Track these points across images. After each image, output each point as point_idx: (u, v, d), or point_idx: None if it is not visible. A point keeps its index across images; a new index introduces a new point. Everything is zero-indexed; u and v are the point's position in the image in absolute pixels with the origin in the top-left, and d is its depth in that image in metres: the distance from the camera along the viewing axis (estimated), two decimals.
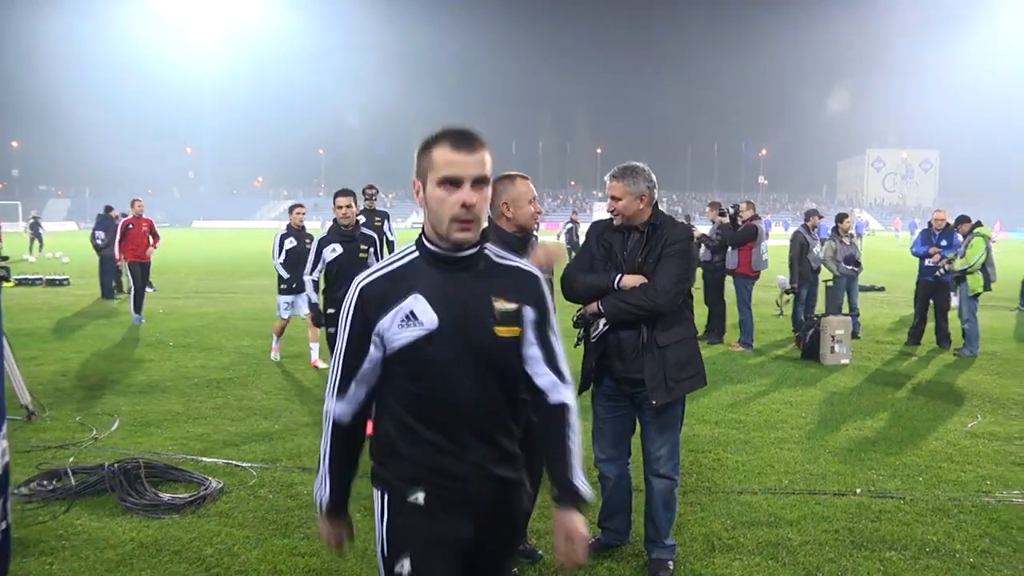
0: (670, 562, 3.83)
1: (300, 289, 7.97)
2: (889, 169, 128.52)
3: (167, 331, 11.23)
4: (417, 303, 1.89)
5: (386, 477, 1.99)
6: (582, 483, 2.00)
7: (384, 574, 1.99)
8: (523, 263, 2.06)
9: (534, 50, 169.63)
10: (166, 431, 6.16)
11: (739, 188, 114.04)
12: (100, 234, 15.63)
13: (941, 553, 4.06)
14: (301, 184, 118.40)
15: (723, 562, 3.95)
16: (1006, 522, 4.47)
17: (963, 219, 10.60)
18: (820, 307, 11.34)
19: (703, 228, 13.13)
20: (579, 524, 1.97)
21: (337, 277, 6.30)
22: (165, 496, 4.63)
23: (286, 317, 9.10)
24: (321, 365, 8.54)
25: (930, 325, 10.58)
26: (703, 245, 10.68)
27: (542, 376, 2.03)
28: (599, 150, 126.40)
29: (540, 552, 3.94)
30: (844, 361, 9.19)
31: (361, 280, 1.97)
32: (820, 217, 11.75)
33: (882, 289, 17.62)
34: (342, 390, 2.01)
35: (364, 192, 9.83)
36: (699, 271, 9.90)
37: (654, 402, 3.56)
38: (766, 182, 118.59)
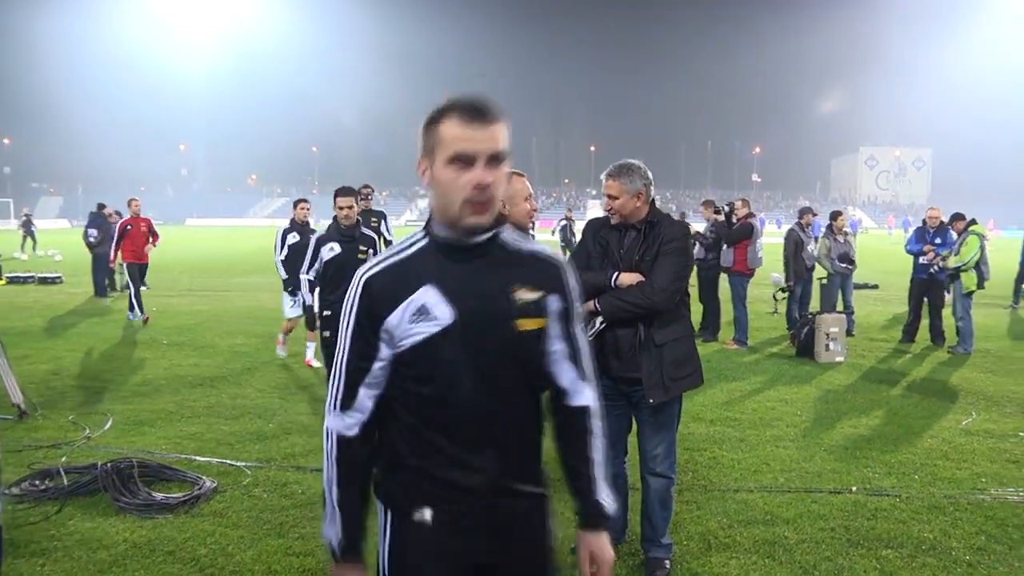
0: (667, 561, 3.82)
1: None
2: (882, 167, 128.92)
3: (160, 329, 11.18)
4: (429, 296, 1.67)
5: (390, 491, 1.79)
6: (607, 499, 1.83)
7: None
8: (544, 249, 1.84)
9: (528, 48, 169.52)
10: (159, 430, 6.12)
11: (733, 186, 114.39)
12: (93, 232, 15.54)
13: (937, 551, 4.06)
14: (295, 182, 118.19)
15: (720, 561, 3.94)
16: (1002, 520, 4.47)
17: (957, 217, 10.63)
18: (815, 305, 11.34)
19: (697, 226, 13.13)
20: (605, 546, 1.81)
21: (333, 278, 6.03)
22: (158, 496, 4.59)
23: (293, 316, 8.86)
24: (315, 364, 8.50)
25: (924, 323, 10.61)
26: (697, 243, 10.68)
27: (564, 374, 1.82)
28: (593, 148, 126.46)
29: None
30: (839, 359, 9.20)
31: (366, 271, 1.74)
32: (814, 215, 11.76)
33: (876, 287, 17.67)
34: (347, 401, 1.75)
35: (360, 192, 9.61)
36: (693, 269, 9.89)
37: (651, 401, 3.54)
38: (760, 180, 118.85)
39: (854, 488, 4.96)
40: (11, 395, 6.29)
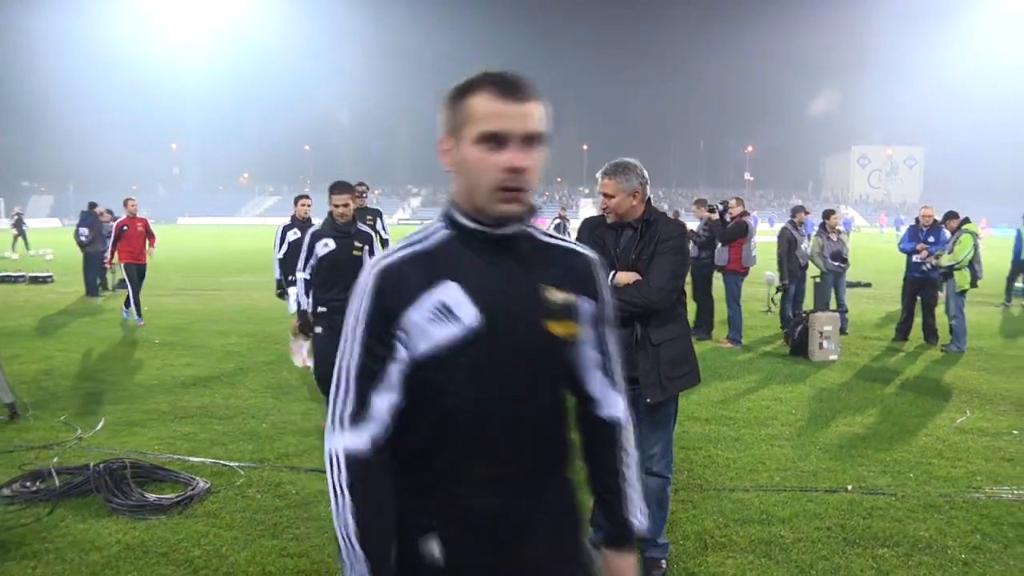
0: (663, 561, 3.81)
1: None
2: (874, 166, 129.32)
3: (153, 329, 11.12)
4: (451, 293, 1.47)
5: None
6: (638, 516, 1.65)
7: None
8: (577, 244, 1.67)
9: (519, 47, 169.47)
10: (152, 430, 6.08)
11: (725, 184, 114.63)
12: (84, 231, 15.44)
13: (933, 550, 4.06)
14: (287, 180, 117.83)
15: (716, 560, 3.93)
16: (996, 518, 4.48)
17: (951, 215, 10.66)
18: (808, 303, 11.36)
19: (690, 225, 13.13)
20: (631, 568, 1.66)
21: (328, 276, 5.82)
22: (151, 497, 4.56)
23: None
24: (309, 363, 8.44)
25: (917, 321, 10.63)
26: (691, 242, 10.68)
27: (594, 383, 1.64)
28: (585, 146, 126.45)
29: None
30: (832, 357, 9.21)
31: (380, 262, 1.51)
32: (807, 213, 11.77)
33: (868, 285, 17.71)
34: (359, 411, 1.47)
35: (354, 189, 9.47)
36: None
37: (648, 400, 3.53)
38: (752, 178, 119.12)
39: (849, 487, 4.96)
40: (2, 395, 6.25)
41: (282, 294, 8.39)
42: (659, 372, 3.51)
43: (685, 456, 5.49)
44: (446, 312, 1.46)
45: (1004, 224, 54.01)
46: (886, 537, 4.20)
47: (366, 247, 5.95)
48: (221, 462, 5.28)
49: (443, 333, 1.46)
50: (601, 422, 1.66)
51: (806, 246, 11.22)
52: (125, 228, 12.06)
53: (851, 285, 14.42)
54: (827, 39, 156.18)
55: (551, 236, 1.64)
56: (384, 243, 9.15)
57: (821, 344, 9.24)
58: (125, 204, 12.36)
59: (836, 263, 11.15)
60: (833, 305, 11.12)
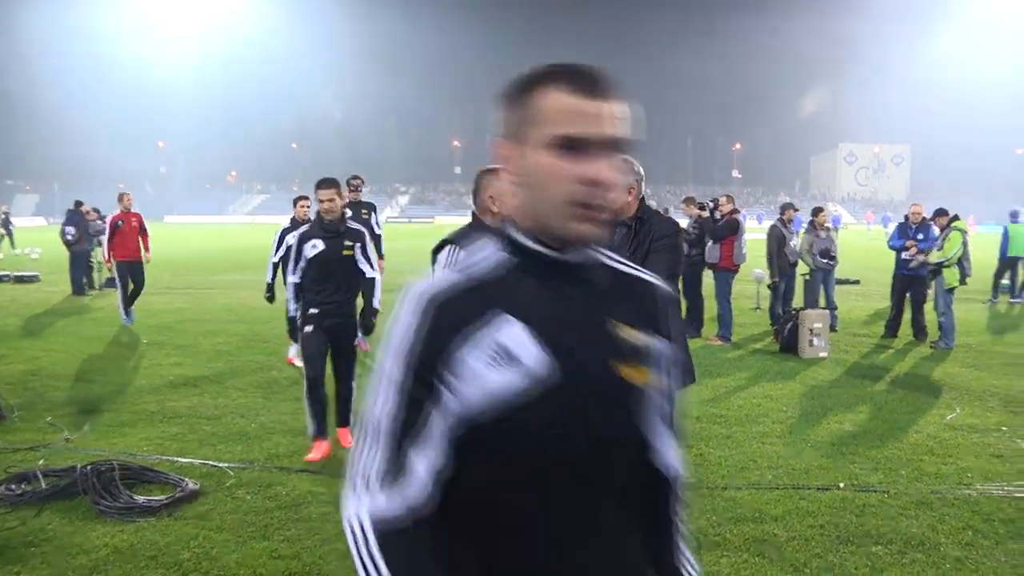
0: None
1: None
2: (861, 163, 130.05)
3: (140, 328, 11.04)
4: (513, 332, 1.19)
5: None
6: (689, 569, 1.44)
7: None
8: (647, 273, 1.42)
9: (508, 44, 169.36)
10: (140, 431, 6.02)
11: (713, 182, 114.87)
12: (70, 230, 15.30)
13: (926, 547, 4.07)
14: (275, 179, 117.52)
15: (711, 559, 3.91)
16: (988, 514, 4.50)
17: (940, 212, 10.71)
18: (798, 300, 11.39)
19: (680, 222, 13.14)
20: None
21: (318, 277, 5.53)
22: (140, 498, 4.52)
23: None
24: (297, 363, 8.39)
25: (906, 317, 10.68)
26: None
27: (655, 432, 1.36)
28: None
29: None
30: (822, 354, 9.23)
31: (428, 290, 1.23)
32: (796, 211, 11.80)
33: (857, 282, 17.78)
34: (392, 469, 1.17)
35: (349, 183, 9.13)
36: None
37: None
38: (740, 176, 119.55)
39: (841, 484, 4.96)
40: None
41: (270, 297, 8.25)
42: None
43: None
44: (505, 355, 1.18)
45: (990, 221, 54.45)
46: (879, 535, 4.21)
47: (357, 245, 5.69)
48: (210, 463, 5.24)
49: (501, 381, 1.17)
50: (658, 473, 1.40)
51: (795, 243, 11.25)
52: (119, 224, 11.62)
53: (839, 282, 14.47)
54: (815, 38, 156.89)
55: (619, 262, 1.38)
56: (377, 239, 8.98)
57: (811, 341, 9.26)
58: (120, 199, 11.90)
59: (824, 260, 11.18)
60: (822, 302, 11.15)
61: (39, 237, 35.01)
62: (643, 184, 3.55)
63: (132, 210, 11.99)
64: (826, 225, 11.58)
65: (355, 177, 9.32)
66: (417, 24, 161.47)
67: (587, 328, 1.24)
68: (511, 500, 1.21)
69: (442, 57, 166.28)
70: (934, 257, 10.04)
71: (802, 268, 11.52)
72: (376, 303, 5.79)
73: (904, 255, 10.56)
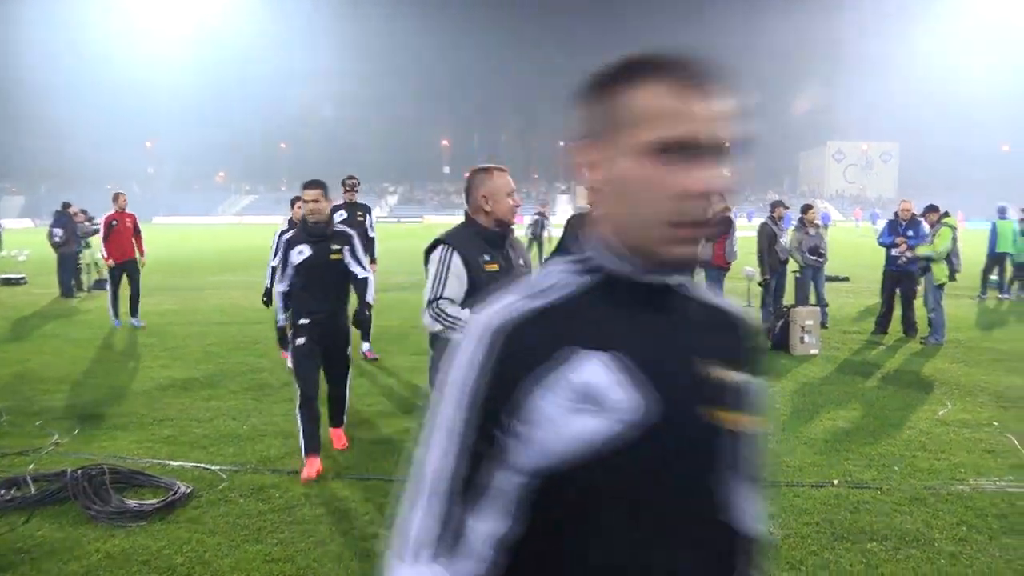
0: None
1: None
2: (850, 160, 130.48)
3: (130, 330, 10.96)
4: (597, 370, 0.99)
5: None
6: None
7: None
8: (731, 303, 1.22)
9: (495, 42, 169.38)
10: (131, 434, 5.97)
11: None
12: (58, 231, 15.19)
13: (921, 543, 4.08)
14: (263, 179, 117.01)
15: None
16: (981, 509, 4.51)
17: (931, 208, 10.75)
18: (788, 298, 11.42)
19: None
20: None
21: (307, 284, 5.28)
22: (131, 503, 4.48)
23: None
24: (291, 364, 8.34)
25: (896, 314, 10.72)
26: None
27: (736, 484, 1.12)
28: (562, 142, 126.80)
29: None
30: (813, 351, 9.26)
31: (492, 319, 1.04)
32: (786, 208, 11.82)
33: (847, 279, 17.85)
34: (448, 541, 1.00)
35: (344, 183, 8.95)
36: None
37: None
38: (728, 174, 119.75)
39: (835, 481, 4.97)
40: None
41: (267, 301, 8.16)
42: None
43: None
44: (588, 397, 0.98)
45: (978, 218, 54.79)
46: (874, 531, 4.21)
47: (345, 248, 5.42)
48: (202, 466, 5.20)
49: (584, 429, 0.98)
50: (735, 533, 1.13)
51: (786, 241, 11.27)
52: (114, 223, 11.44)
53: (829, 279, 14.52)
54: (803, 35, 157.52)
55: (700, 290, 1.18)
56: (370, 241, 8.81)
57: (802, 338, 9.28)
58: (115, 199, 11.72)
59: (814, 257, 11.21)
60: (812, 299, 11.18)
61: (26, 239, 34.74)
62: None
63: (127, 211, 11.81)
64: (815, 222, 11.61)
65: (350, 177, 9.07)
66: (405, 24, 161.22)
67: (678, 365, 1.06)
68: (582, 558, 1.02)
69: (430, 57, 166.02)
70: (921, 251, 10.08)
71: (792, 265, 11.55)
72: (370, 299, 5.48)
73: (894, 252, 10.60)
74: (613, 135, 1.03)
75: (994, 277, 15.41)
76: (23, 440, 5.79)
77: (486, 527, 0.99)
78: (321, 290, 5.29)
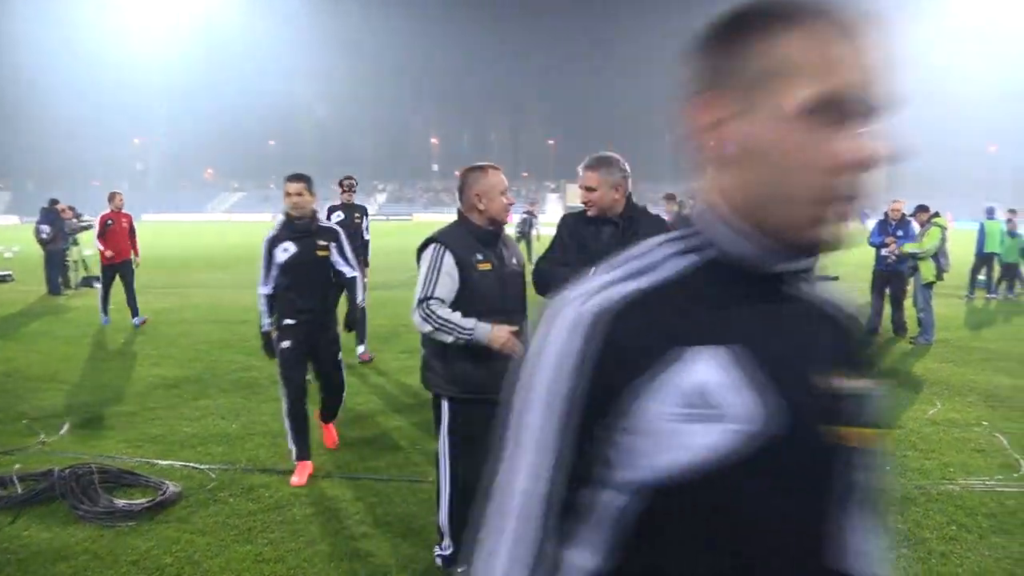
0: None
1: None
2: None
3: (118, 328, 10.89)
4: (709, 367, 0.83)
5: None
6: None
7: None
8: (842, 294, 1.05)
9: (484, 41, 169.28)
10: (119, 433, 5.93)
11: (691, 179, 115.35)
12: (45, 228, 15.08)
13: (912, 542, 4.09)
14: (252, 176, 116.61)
15: None
16: (971, 509, 4.53)
17: (921, 208, 10.80)
18: None
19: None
20: None
21: (293, 283, 5.01)
22: (120, 502, 4.43)
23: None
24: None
25: (886, 313, 10.76)
26: None
27: (851, 518, 0.93)
28: (551, 141, 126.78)
29: None
30: None
31: (587, 303, 0.86)
32: None
33: (836, 278, 17.85)
34: (540, 570, 0.87)
35: (342, 184, 8.63)
36: None
37: None
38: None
39: None
40: None
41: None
42: None
43: None
44: (704, 402, 0.82)
45: (966, 218, 55.13)
46: None
47: (332, 245, 5.19)
48: (191, 465, 5.16)
49: (700, 441, 0.81)
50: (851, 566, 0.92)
51: None
52: (110, 223, 11.18)
53: (819, 278, 14.58)
54: None
55: (813, 278, 0.99)
56: (366, 244, 8.63)
57: None
58: (111, 198, 11.43)
59: None
60: None
61: (12, 236, 34.51)
62: (629, 181, 3.53)
63: (123, 211, 11.56)
64: None
65: (348, 178, 8.67)
66: (395, 22, 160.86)
67: (802, 367, 0.89)
68: None
69: (420, 55, 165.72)
70: (908, 248, 10.12)
71: None
72: (360, 300, 5.42)
73: (884, 251, 10.64)
74: (748, 91, 0.85)
75: (982, 277, 15.53)
76: (9, 439, 5.73)
77: (580, 558, 0.86)
78: (308, 289, 5.04)
